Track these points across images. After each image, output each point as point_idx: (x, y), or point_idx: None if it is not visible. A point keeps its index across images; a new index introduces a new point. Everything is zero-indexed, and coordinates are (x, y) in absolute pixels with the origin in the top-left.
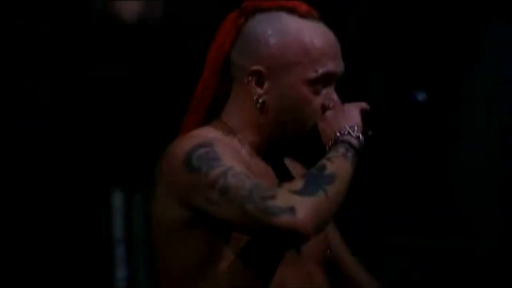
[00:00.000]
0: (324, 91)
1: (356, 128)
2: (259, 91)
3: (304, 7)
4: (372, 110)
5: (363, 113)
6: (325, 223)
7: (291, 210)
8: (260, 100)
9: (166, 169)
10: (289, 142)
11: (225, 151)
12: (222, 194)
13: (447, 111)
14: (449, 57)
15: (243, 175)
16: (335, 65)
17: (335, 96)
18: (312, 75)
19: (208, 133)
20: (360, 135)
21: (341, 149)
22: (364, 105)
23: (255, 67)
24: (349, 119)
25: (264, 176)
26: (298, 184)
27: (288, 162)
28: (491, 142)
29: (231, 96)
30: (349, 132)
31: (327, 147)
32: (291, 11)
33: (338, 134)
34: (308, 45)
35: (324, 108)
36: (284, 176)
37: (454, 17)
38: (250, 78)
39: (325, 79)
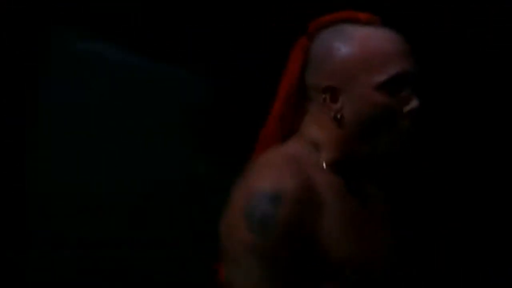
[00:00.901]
0: (400, 94)
1: None
2: (335, 106)
3: (364, 15)
4: None
5: None
6: None
7: None
8: (338, 116)
9: (237, 196)
10: (372, 157)
11: (291, 217)
12: (246, 275)
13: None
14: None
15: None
16: (403, 66)
17: (414, 98)
18: (381, 78)
19: (289, 149)
20: None
21: None
22: None
23: (327, 84)
24: None
25: (340, 195)
26: None
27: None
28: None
29: (307, 117)
30: None
31: None
32: (353, 21)
33: None
34: (373, 51)
35: (402, 111)
36: (363, 195)
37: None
38: (324, 95)
39: (397, 81)
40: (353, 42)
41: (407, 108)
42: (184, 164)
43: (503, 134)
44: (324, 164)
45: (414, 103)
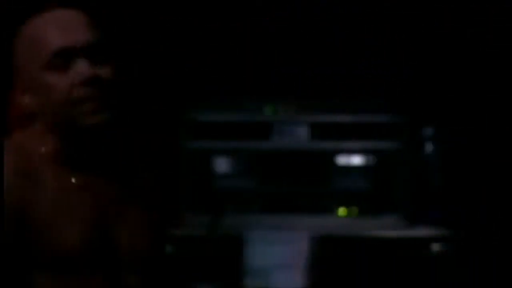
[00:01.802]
0: (71, 68)
1: None
2: (23, 100)
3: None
4: None
5: None
6: None
7: None
8: (28, 114)
9: None
10: (75, 136)
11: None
12: None
13: None
14: None
15: None
16: (66, 40)
17: (85, 70)
18: (45, 59)
19: (21, 140)
20: None
21: None
22: None
23: (14, 89)
24: None
25: (64, 186)
26: None
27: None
28: None
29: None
30: None
31: None
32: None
33: None
34: (32, 34)
35: (78, 84)
36: (90, 183)
37: None
38: (13, 102)
39: (63, 57)
40: (18, 36)
41: (79, 78)
42: None
43: (505, 134)
44: (46, 160)
45: (85, 72)
